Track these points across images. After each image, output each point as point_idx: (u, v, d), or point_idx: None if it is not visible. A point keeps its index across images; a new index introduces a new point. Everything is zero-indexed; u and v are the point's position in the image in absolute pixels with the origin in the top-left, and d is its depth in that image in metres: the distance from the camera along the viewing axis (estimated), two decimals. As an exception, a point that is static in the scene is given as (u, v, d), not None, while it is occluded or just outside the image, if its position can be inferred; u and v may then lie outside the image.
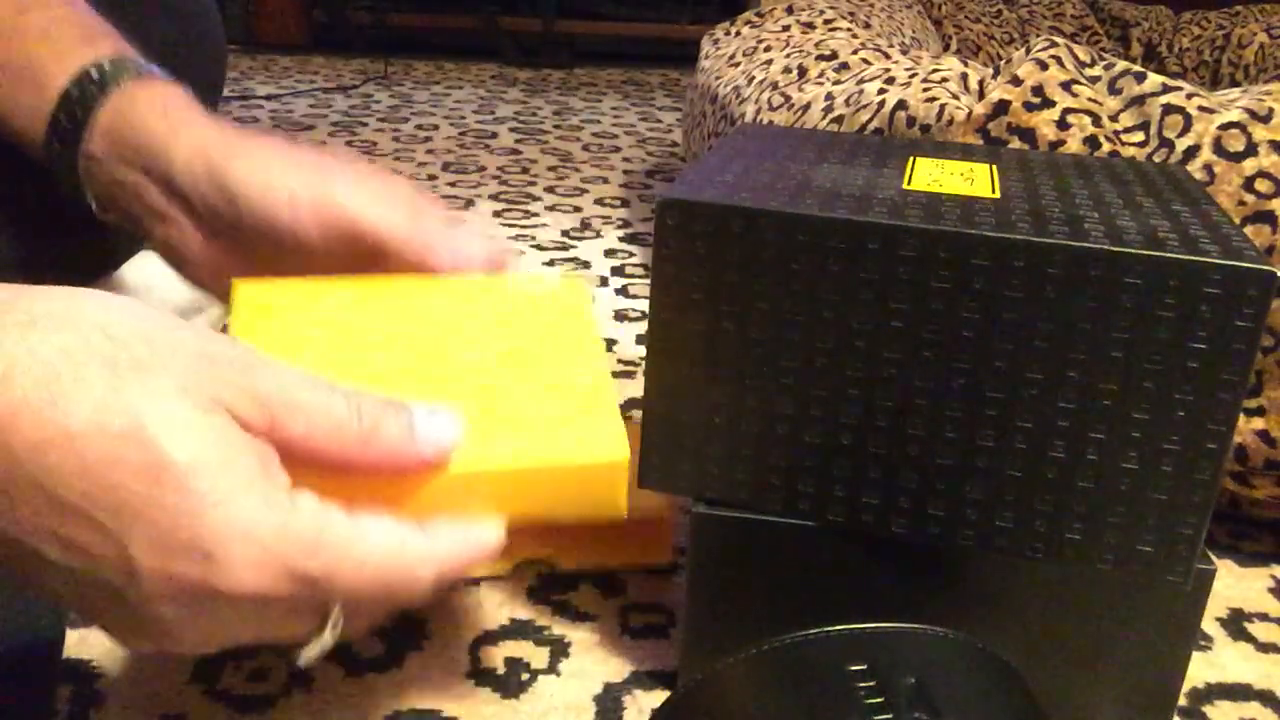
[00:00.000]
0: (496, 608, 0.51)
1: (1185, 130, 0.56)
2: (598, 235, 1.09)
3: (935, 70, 0.69)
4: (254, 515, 0.29)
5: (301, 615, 0.31)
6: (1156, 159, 0.57)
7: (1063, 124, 0.58)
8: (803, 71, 0.85)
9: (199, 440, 0.28)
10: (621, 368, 0.78)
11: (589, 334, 0.44)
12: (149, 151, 0.45)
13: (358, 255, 0.43)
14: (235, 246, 0.45)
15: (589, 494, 0.39)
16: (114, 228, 0.49)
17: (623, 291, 0.94)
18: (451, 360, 0.41)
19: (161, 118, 0.45)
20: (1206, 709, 0.47)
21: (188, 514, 0.28)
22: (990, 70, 0.68)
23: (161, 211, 0.45)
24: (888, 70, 0.73)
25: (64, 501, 0.27)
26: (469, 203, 1.17)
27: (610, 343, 0.83)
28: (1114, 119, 0.60)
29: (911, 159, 0.47)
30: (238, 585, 0.29)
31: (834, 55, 0.86)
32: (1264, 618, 0.54)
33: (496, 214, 1.13)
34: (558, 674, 0.47)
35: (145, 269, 0.67)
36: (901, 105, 0.65)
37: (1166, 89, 0.59)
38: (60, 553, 0.28)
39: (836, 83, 0.79)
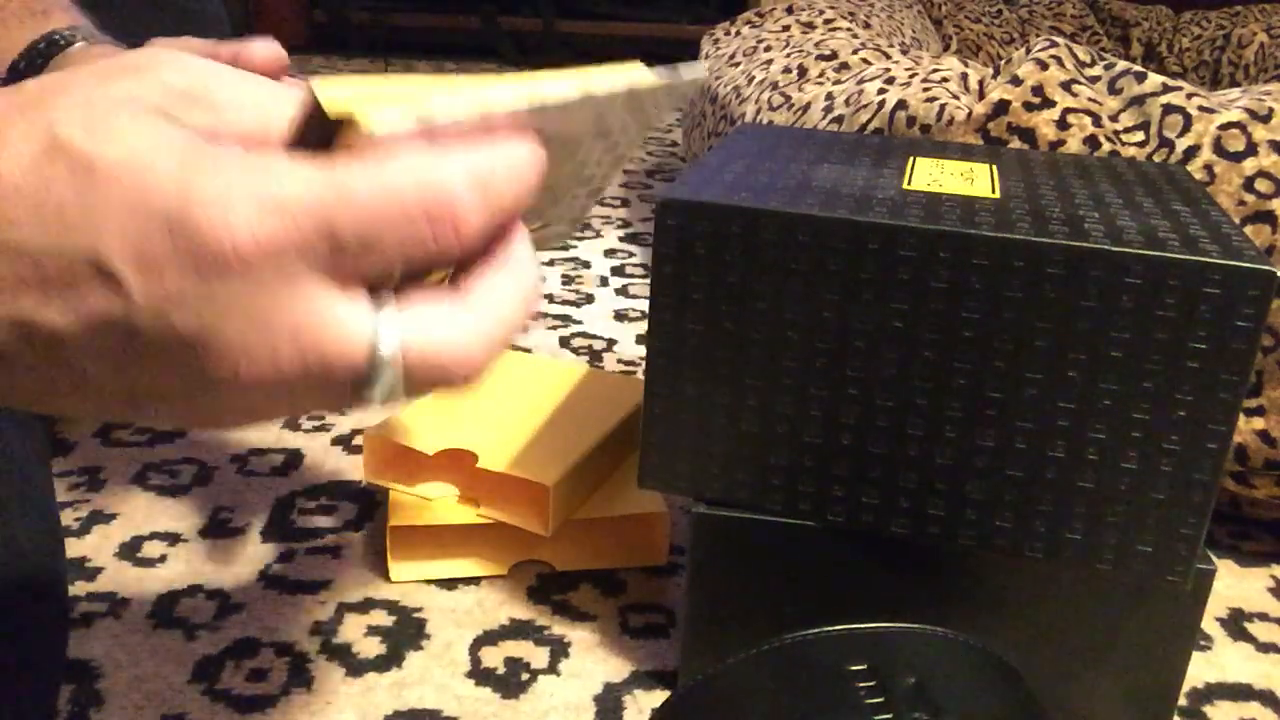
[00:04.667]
0: (496, 608, 0.51)
1: (1185, 130, 0.56)
2: (598, 235, 1.09)
3: (935, 70, 0.69)
4: (235, 174, 0.25)
5: (335, 284, 0.26)
6: (1156, 159, 0.57)
7: (1063, 124, 0.58)
8: (803, 71, 0.85)
9: (139, 134, 0.25)
10: (621, 368, 0.78)
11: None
12: None
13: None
14: None
15: None
16: None
17: (623, 291, 0.94)
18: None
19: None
20: (1206, 709, 0.47)
21: (150, 199, 0.25)
22: (990, 70, 0.68)
23: None
24: (888, 70, 0.73)
25: (25, 251, 0.24)
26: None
27: (610, 343, 0.83)
28: (1114, 119, 0.60)
29: (911, 159, 0.47)
30: (235, 243, 0.24)
31: (834, 55, 0.86)
32: (1264, 618, 0.54)
33: (496, 214, 1.13)
34: (558, 674, 0.47)
35: None
36: (901, 105, 0.65)
37: (1166, 89, 0.59)
38: (55, 310, 0.25)
39: (836, 83, 0.79)
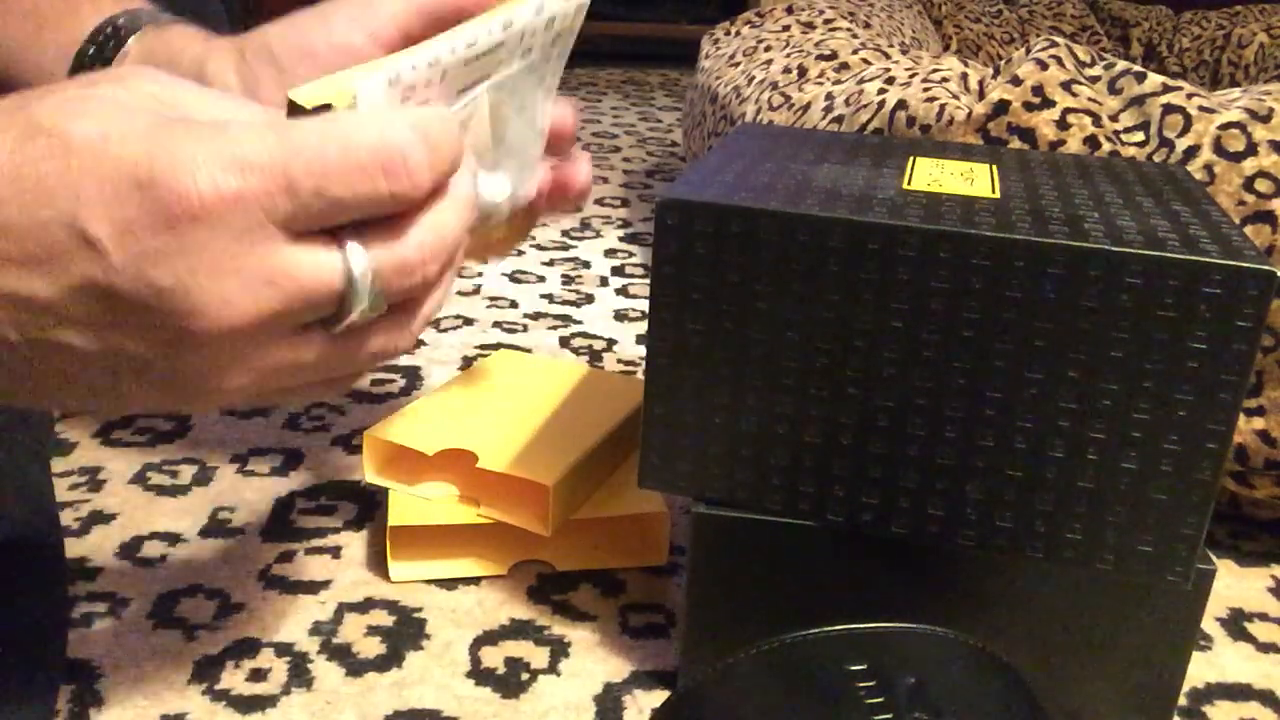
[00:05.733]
0: (496, 608, 0.51)
1: (1185, 130, 0.56)
2: (598, 235, 1.09)
3: (935, 70, 0.69)
4: (198, 139, 0.27)
5: (297, 234, 0.28)
6: (1156, 159, 0.57)
7: (1063, 124, 0.58)
8: (803, 71, 0.85)
9: (110, 114, 0.27)
10: (621, 368, 0.78)
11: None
12: (185, 59, 0.43)
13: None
14: None
15: None
16: None
17: (623, 291, 0.94)
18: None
19: (195, 38, 0.44)
20: (1206, 709, 0.47)
21: (121, 166, 0.26)
22: (990, 70, 0.68)
23: None
24: (888, 70, 0.73)
25: (9, 228, 0.26)
26: (469, 203, 1.17)
27: (610, 343, 0.83)
28: (1114, 119, 0.60)
29: (911, 159, 0.47)
30: (201, 196, 0.26)
31: (834, 55, 0.86)
32: (1264, 618, 0.54)
33: (496, 214, 1.13)
34: (558, 674, 0.47)
35: None
36: (901, 105, 0.65)
37: (1166, 89, 0.59)
38: (39, 281, 0.27)
39: (836, 83, 0.79)
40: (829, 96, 0.75)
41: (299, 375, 0.31)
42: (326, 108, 0.29)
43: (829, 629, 0.32)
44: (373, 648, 0.48)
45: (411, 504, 0.52)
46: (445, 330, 0.83)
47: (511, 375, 0.61)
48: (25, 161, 0.26)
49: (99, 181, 0.26)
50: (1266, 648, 0.52)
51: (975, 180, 0.43)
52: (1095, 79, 0.63)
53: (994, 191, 0.42)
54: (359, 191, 0.28)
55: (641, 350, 0.81)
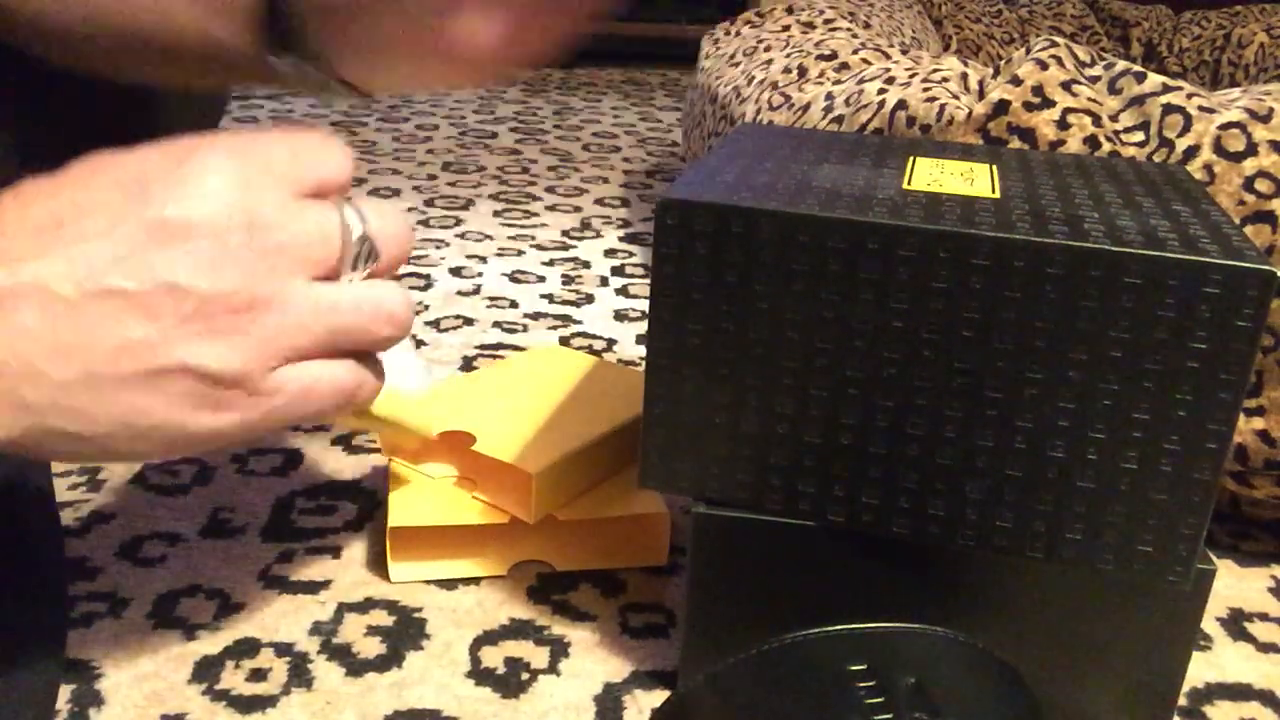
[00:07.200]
0: (496, 608, 0.51)
1: (1185, 130, 0.56)
2: (598, 235, 1.09)
3: (935, 70, 0.69)
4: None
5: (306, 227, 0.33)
6: (1156, 159, 0.57)
7: (1063, 124, 0.58)
8: (803, 71, 0.85)
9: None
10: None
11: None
12: None
13: None
14: None
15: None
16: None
17: (623, 291, 0.94)
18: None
19: None
20: (1206, 709, 0.47)
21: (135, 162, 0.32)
22: (990, 70, 0.68)
23: None
24: (888, 70, 0.73)
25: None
26: (469, 203, 1.17)
27: (610, 343, 0.83)
28: (1114, 119, 0.60)
29: (911, 159, 0.47)
30: (205, 193, 0.31)
31: (834, 55, 0.86)
32: (1264, 618, 0.54)
33: (496, 214, 1.13)
34: (558, 674, 0.47)
35: None
36: (901, 105, 0.65)
37: (1166, 89, 0.59)
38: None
39: (836, 83, 0.79)
40: (829, 96, 0.75)
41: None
42: None
43: (829, 629, 0.32)
44: (373, 648, 0.48)
45: (411, 505, 0.52)
46: (445, 330, 0.83)
47: (544, 368, 0.62)
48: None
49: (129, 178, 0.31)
50: (1266, 648, 0.52)
51: (975, 180, 0.43)
52: (1095, 79, 0.63)
53: (994, 191, 0.42)
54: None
55: (641, 350, 0.81)
